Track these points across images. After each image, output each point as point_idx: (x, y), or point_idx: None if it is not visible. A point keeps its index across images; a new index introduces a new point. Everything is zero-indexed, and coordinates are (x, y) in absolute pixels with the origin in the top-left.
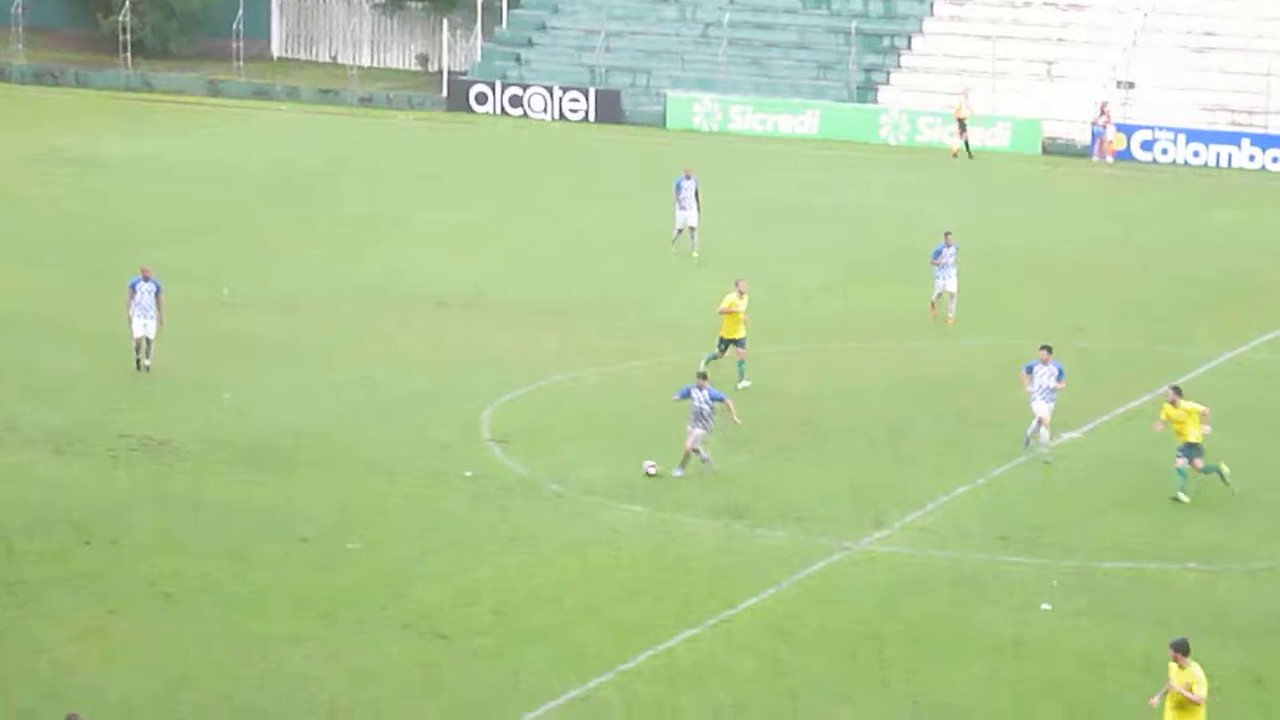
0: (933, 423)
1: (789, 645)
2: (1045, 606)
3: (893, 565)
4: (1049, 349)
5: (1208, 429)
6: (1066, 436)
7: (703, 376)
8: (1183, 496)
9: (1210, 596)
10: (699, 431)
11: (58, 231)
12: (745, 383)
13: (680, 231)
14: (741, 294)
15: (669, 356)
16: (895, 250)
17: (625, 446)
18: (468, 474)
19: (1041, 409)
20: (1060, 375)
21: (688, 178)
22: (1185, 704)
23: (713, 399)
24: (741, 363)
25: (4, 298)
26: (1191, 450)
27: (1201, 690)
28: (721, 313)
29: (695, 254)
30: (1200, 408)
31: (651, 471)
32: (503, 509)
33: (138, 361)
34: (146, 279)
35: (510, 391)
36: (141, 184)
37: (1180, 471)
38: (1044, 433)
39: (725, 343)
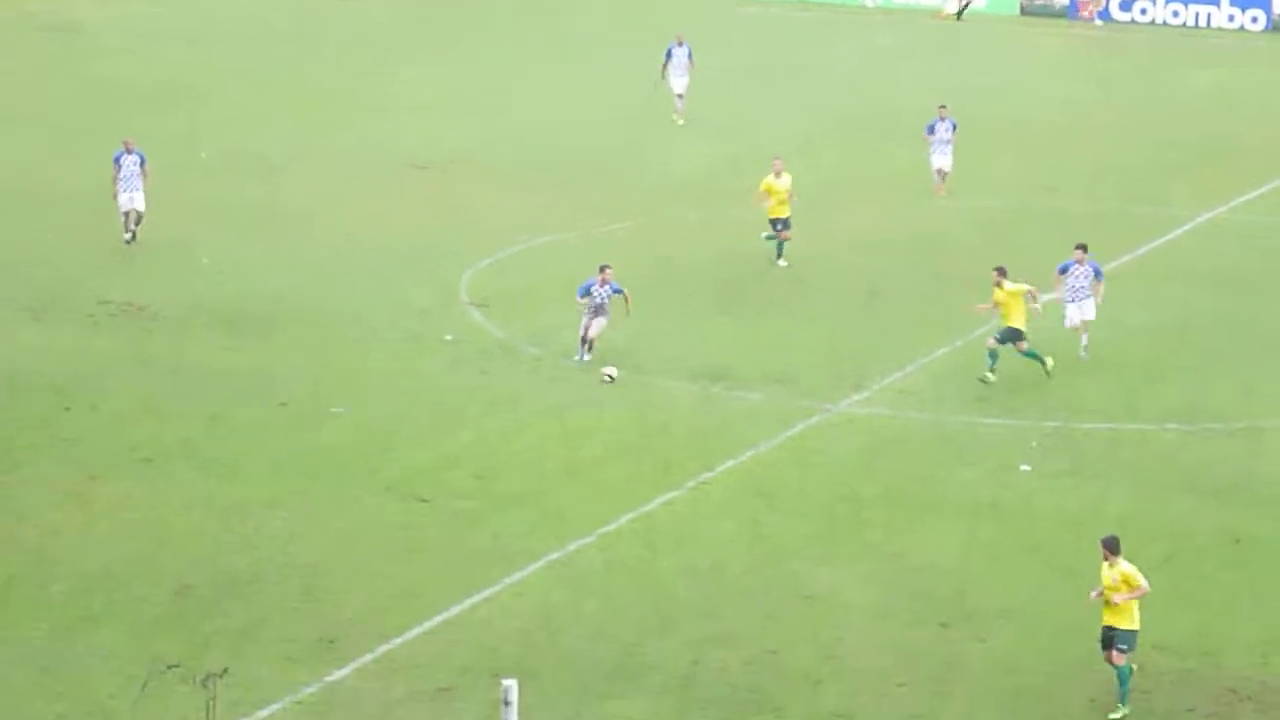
0: (912, 284)
1: (768, 507)
2: (1024, 468)
3: (871, 427)
4: (1084, 247)
5: (1038, 306)
6: (1045, 298)
7: (604, 269)
8: (990, 376)
9: (1189, 456)
10: (601, 320)
11: (33, 94)
12: (783, 263)
13: (677, 97)
14: (778, 174)
15: (651, 218)
16: (872, 112)
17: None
18: (447, 338)
19: (1075, 315)
20: (1098, 274)
21: (679, 44)
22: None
23: (614, 292)
24: (782, 244)
25: None
26: (1010, 334)
27: (1141, 582)
28: (761, 196)
29: (680, 121)
30: (1025, 288)
31: (611, 377)
32: (482, 373)
33: (127, 234)
34: (130, 151)
35: (490, 255)
36: (116, 48)
37: (991, 354)
38: (1084, 336)
39: (775, 222)
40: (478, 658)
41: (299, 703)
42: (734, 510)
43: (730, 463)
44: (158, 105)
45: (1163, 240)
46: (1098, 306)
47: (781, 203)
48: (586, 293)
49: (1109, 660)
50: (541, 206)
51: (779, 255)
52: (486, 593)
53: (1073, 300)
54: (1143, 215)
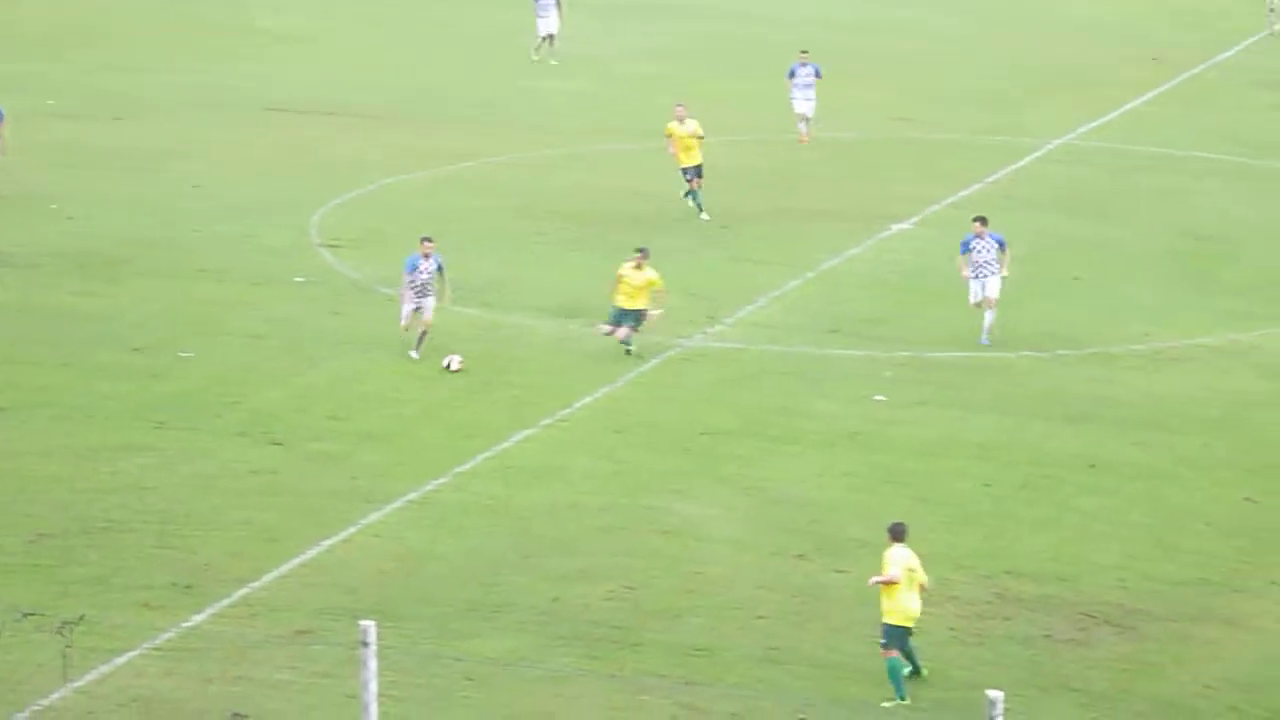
0: (763, 216)
1: (625, 442)
2: (879, 398)
3: (726, 360)
4: (983, 220)
5: (656, 313)
6: (897, 227)
7: (426, 241)
8: (631, 351)
9: (1044, 382)
10: (429, 304)
11: None
12: (705, 216)
13: (543, 40)
14: (681, 120)
15: (501, 156)
16: (731, 45)
17: (457, 249)
18: (299, 279)
19: (976, 291)
20: (1002, 246)
21: None
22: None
23: (437, 268)
24: (695, 193)
25: None
26: (626, 316)
27: (888, 571)
28: (672, 145)
29: (554, 62)
30: (655, 281)
31: (453, 366)
32: (335, 313)
33: None
34: None
35: (341, 195)
36: None
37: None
38: (989, 315)
39: (685, 171)
40: (336, 599)
41: (157, 648)
42: (591, 446)
43: (587, 399)
44: (3, 50)
45: (1014, 167)
46: (1003, 280)
47: (688, 149)
48: (414, 268)
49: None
50: (394, 147)
51: (700, 209)
52: (344, 534)
53: (975, 276)
54: (995, 144)
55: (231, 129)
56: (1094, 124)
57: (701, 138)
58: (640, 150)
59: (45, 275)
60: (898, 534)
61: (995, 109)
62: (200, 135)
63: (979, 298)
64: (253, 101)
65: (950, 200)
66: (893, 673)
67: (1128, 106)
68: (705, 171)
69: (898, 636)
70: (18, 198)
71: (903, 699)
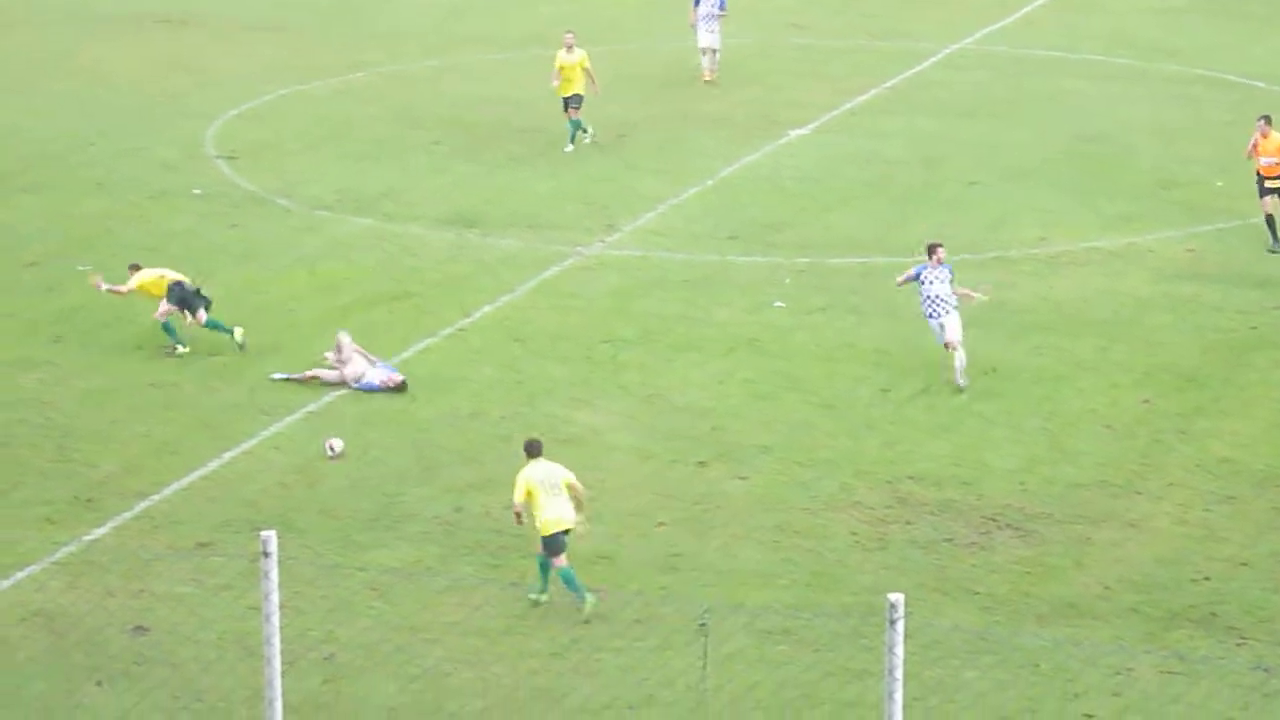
0: (659, 124)
1: (525, 350)
2: (778, 304)
3: (625, 268)
4: (934, 248)
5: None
6: (794, 133)
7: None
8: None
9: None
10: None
11: None
12: (589, 136)
13: None
14: (570, 48)
15: (389, 66)
16: None
17: (353, 159)
18: (196, 192)
19: (939, 333)
20: (952, 279)
21: None
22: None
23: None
24: (576, 121)
25: None
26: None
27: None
28: (556, 76)
29: None
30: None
31: (335, 450)
32: (232, 225)
33: None
34: None
35: (234, 107)
36: None
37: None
38: (959, 357)
39: (566, 101)
40: (237, 512)
41: (57, 563)
42: (492, 355)
43: (486, 308)
44: None
45: (910, 72)
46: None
47: (569, 81)
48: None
49: None
50: (286, 58)
51: (572, 138)
52: (244, 446)
53: (932, 315)
54: (891, 49)
55: (113, 40)
56: (988, 29)
57: (587, 69)
58: (516, 59)
59: None
60: (532, 450)
61: (888, 16)
62: (79, 47)
63: (943, 339)
64: (131, 12)
65: (848, 106)
66: (568, 580)
67: (1021, 12)
68: (598, 79)
69: (554, 545)
70: None
71: (584, 600)
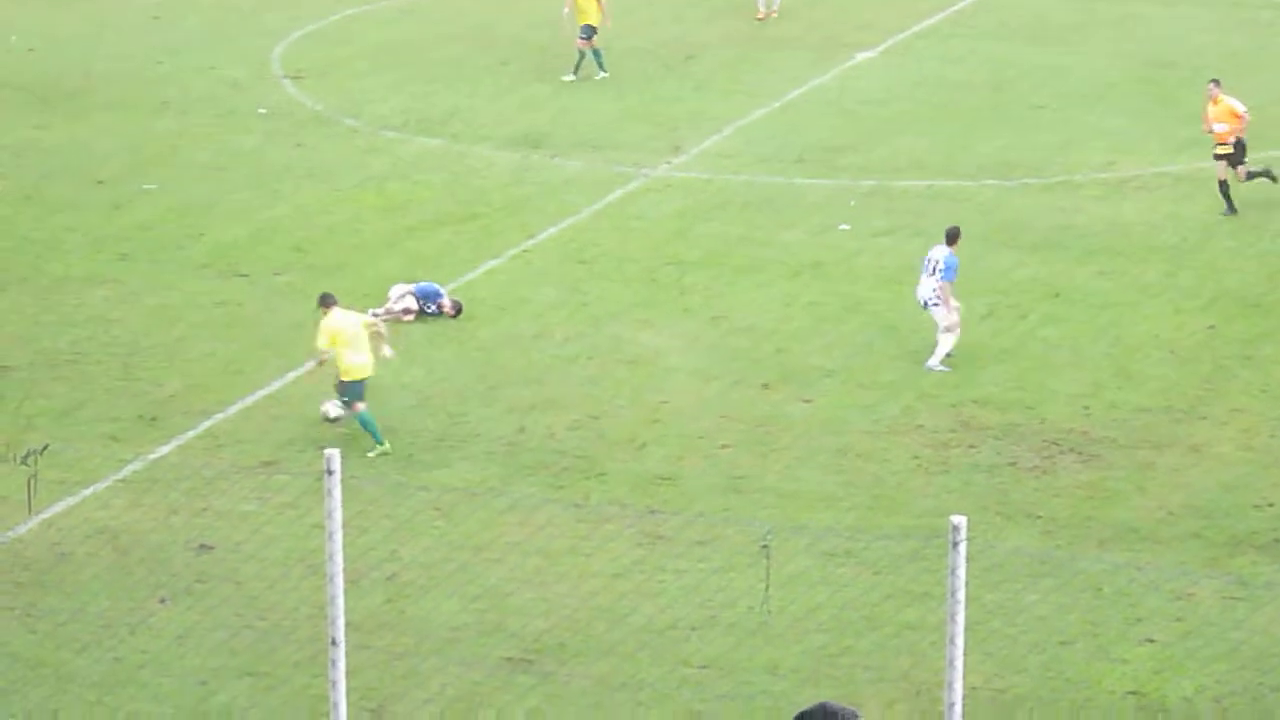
0: (725, 46)
1: (589, 273)
2: (843, 227)
3: (690, 190)
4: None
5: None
6: (861, 56)
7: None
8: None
9: (1006, 210)
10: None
11: None
12: (603, 74)
13: None
14: None
15: None
16: None
17: (420, 80)
18: (261, 111)
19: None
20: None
21: None
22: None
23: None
24: (583, 54)
25: None
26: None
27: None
28: (568, 3)
29: None
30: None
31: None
32: (298, 145)
33: None
34: None
35: (301, 27)
36: None
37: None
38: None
39: (584, 29)
40: (301, 431)
41: (122, 480)
42: (556, 277)
43: (551, 230)
44: None
45: None
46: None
47: (583, 10)
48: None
49: None
50: None
51: (575, 69)
52: (308, 366)
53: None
54: None
55: None
56: None
57: (603, 5)
58: None
59: (6, 108)
60: (326, 302)
61: None
62: None
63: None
64: None
65: (915, 29)
66: (365, 423)
67: None
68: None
69: (355, 390)
70: None
71: (381, 443)
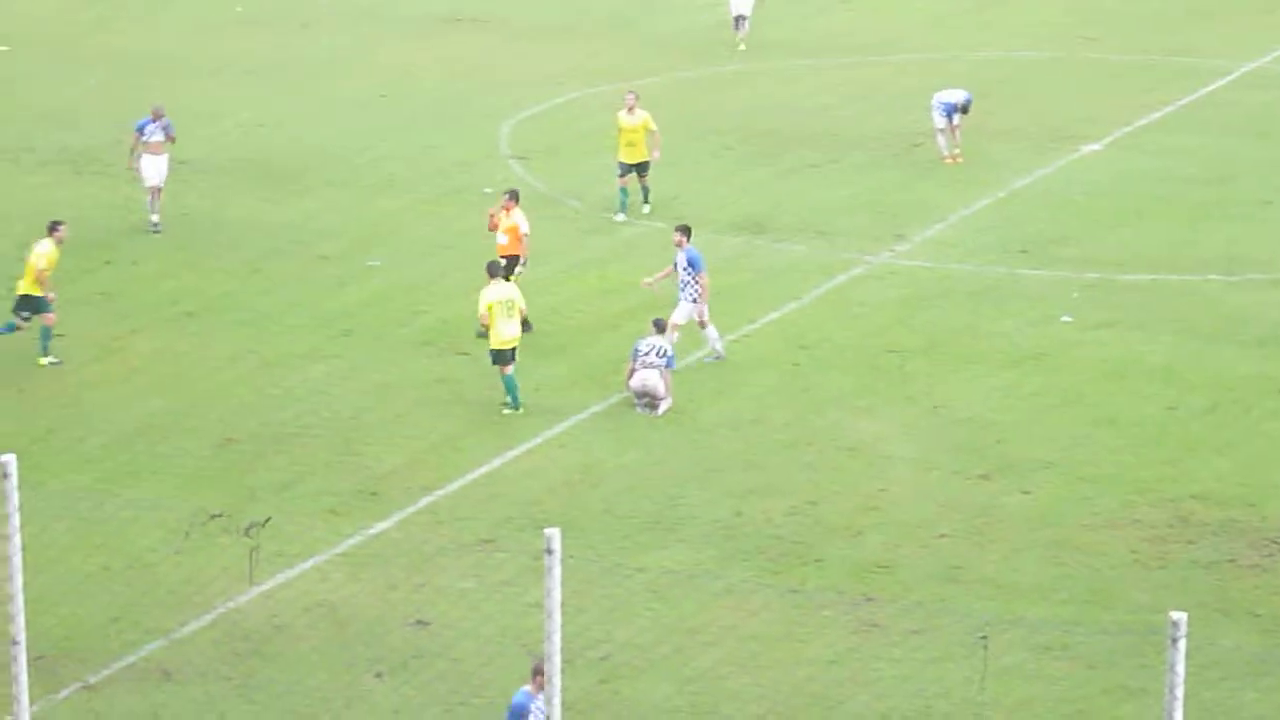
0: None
1: (810, 358)
2: (1066, 319)
3: (913, 278)
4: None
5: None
6: (1087, 149)
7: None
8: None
9: (1230, 305)
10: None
11: None
12: (646, 208)
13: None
14: (631, 109)
15: (680, 73)
16: None
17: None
18: (487, 190)
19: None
20: (693, 266)
21: None
22: None
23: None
24: (625, 191)
25: (13, 22)
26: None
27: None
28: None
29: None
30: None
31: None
32: None
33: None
34: (158, 118)
35: (527, 108)
36: None
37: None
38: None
39: (624, 167)
40: (519, 509)
41: (342, 554)
42: (776, 362)
43: (772, 314)
44: None
45: (1205, 90)
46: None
47: (631, 145)
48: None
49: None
50: (574, 59)
51: (622, 206)
52: (527, 445)
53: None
54: (1183, 65)
55: (411, 39)
56: None
57: (653, 131)
58: (807, 66)
59: (233, 183)
60: (492, 271)
61: (1180, 30)
62: (379, 45)
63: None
64: (427, 13)
65: (1140, 123)
66: (509, 385)
67: None
68: (884, 88)
69: (501, 357)
70: (207, 106)
71: (517, 408)
